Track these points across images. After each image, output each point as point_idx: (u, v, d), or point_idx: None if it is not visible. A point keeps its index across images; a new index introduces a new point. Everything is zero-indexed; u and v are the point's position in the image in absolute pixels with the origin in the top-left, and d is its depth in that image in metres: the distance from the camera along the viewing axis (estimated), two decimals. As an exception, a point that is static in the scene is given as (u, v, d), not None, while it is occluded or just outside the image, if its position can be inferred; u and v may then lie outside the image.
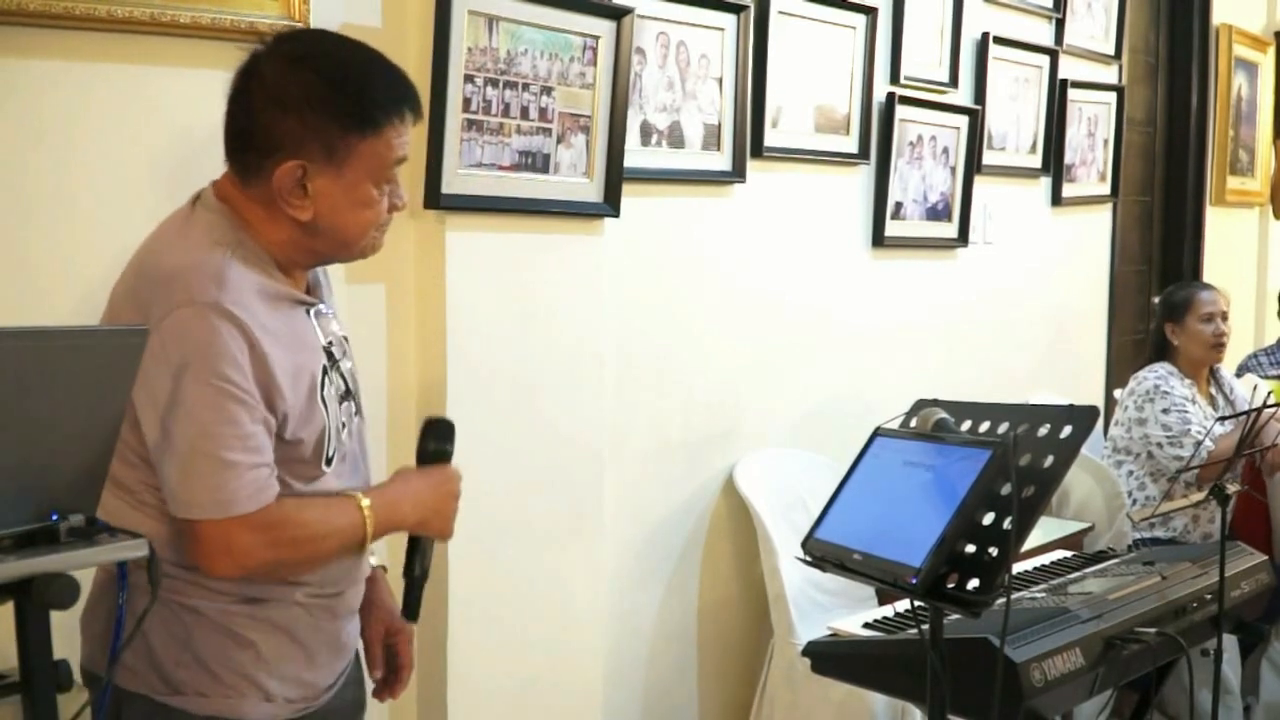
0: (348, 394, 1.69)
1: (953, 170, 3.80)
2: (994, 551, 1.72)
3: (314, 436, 1.58)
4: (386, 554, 1.94)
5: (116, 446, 1.48)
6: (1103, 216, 4.75)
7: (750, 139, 3.09)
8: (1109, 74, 4.63)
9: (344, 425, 1.66)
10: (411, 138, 1.63)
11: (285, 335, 1.55)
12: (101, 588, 1.64)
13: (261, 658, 1.61)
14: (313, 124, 1.53)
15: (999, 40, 3.91)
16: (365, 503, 1.60)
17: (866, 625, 2.28)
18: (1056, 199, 4.35)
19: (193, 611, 1.58)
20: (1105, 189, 4.64)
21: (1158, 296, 4.05)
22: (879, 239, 3.56)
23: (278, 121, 1.53)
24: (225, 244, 1.54)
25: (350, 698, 1.80)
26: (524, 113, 2.53)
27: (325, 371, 1.61)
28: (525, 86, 2.52)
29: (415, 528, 1.71)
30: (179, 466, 1.49)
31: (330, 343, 1.66)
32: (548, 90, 2.56)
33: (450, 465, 1.74)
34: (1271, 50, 5.84)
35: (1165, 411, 3.58)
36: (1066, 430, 1.82)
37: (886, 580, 1.77)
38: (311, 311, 1.64)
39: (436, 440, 1.75)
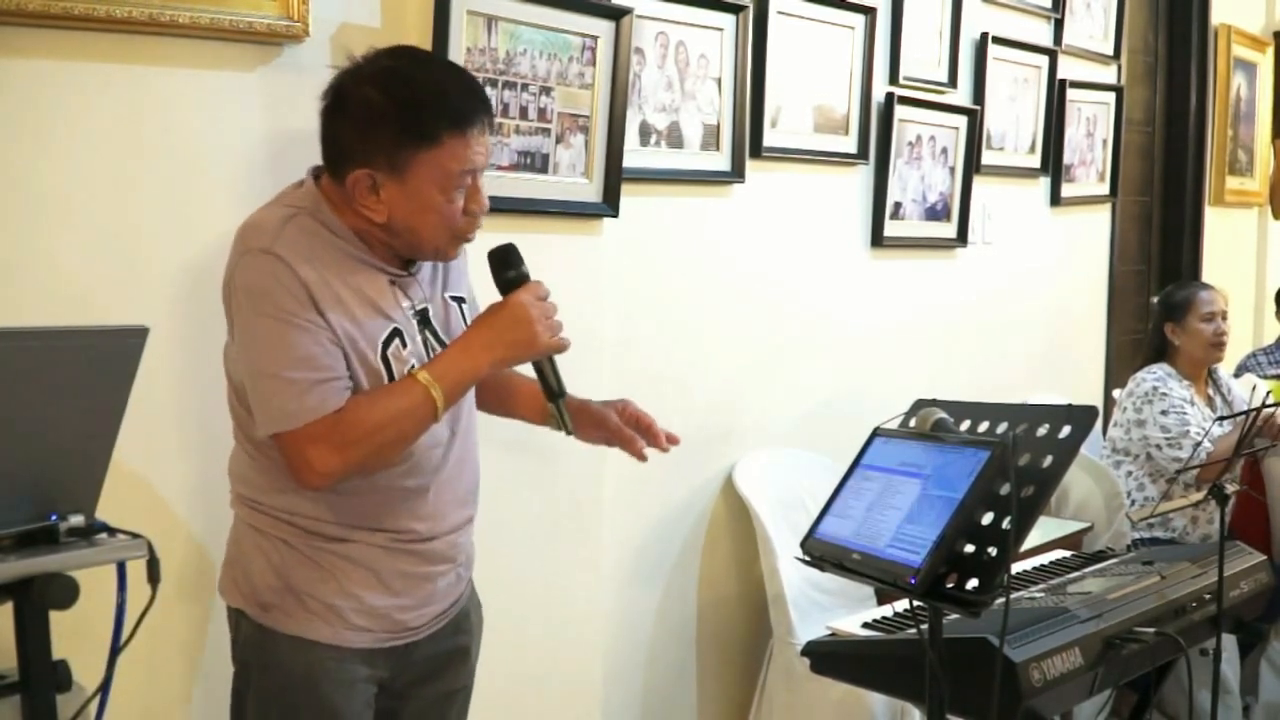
0: None
1: (952, 170, 3.80)
2: (993, 551, 1.72)
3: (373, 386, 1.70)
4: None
5: (239, 414, 1.73)
6: (1102, 216, 4.75)
7: (749, 139, 3.09)
8: (1108, 74, 4.63)
9: None
10: (486, 146, 1.72)
11: (348, 290, 1.69)
12: (242, 538, 1.82)
13: (344, 590, 1.77)
14: (375, 138, 1.67)
15: (998, 40, 3.91)
16: (423, 376, 1.70)
17: (865, 625, 2.28)
18: (1055, 199, 4.35)
19: (285, 544, 1.77)
20: (1104, 189, 4.64)
21: (1156, 296, 4.06)
22: (878, 239, 3.56)
23: (346, 135, 1.69)
24: (298, 207, 1.71)
25: (451, 646, 1.93)
26: (523, 113, 2.53)
27: (399, 334, 1.74)
28: (524, 87, 2.52)
29: (502, 364, 1.79)
30: (253, 390, 1.68)
31: (424, 309, 1.80)
32: (547, 90, 2.56)
33: (526, 285, 1.79)
34: (1270, 50, 5.84)
35: (1164, 413, 3.58)
36: (1065, 430, 1.83)
37: (885, 580, 1.77)
38: (394, 281, 1.76)
39: (501, 269, 1.80)
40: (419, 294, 1.80)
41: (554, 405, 1.86)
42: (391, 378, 1.72)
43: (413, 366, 1.74)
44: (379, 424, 1.67)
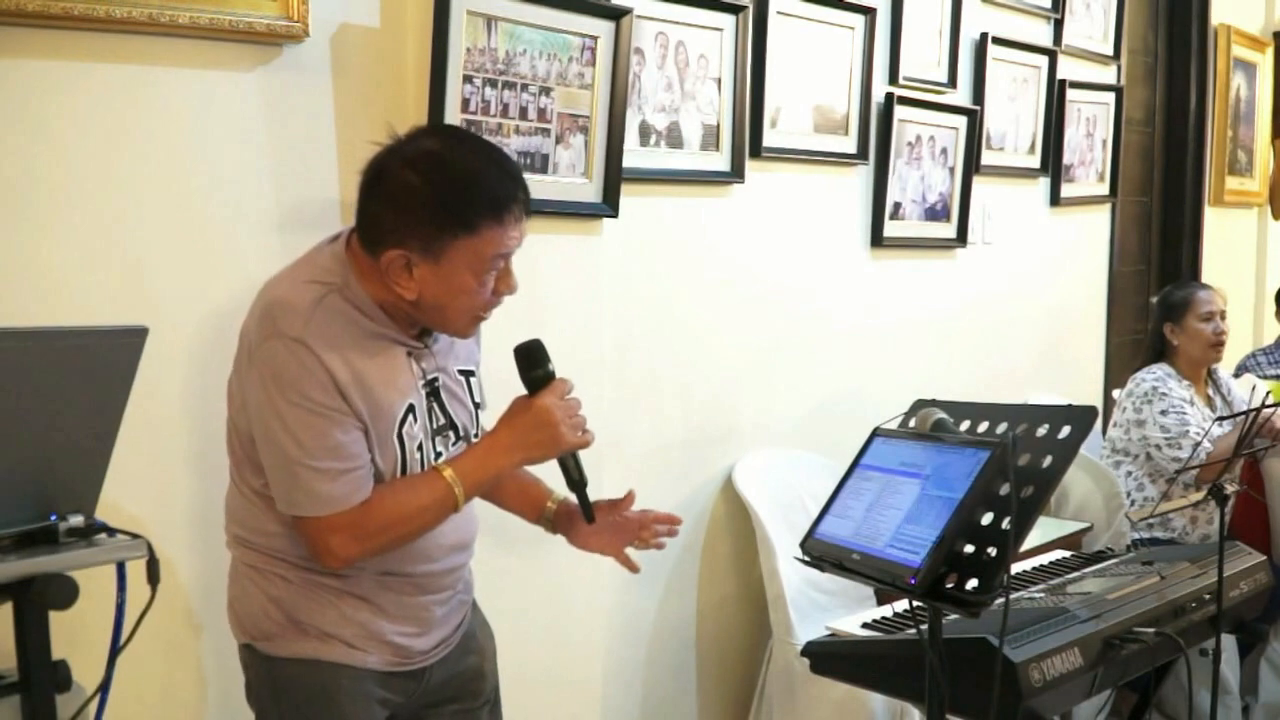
0: (448, 425, 1.84)
1: (951, 170, 3.80)
2: (993, 551, 1.72)
3: (389, 467, 1.75)
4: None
5: (239, 458, 1.76)
6: (1101, 217, 4.75)
7: (749, 139, 3.09)
8: (1108, 74, 4.63)
9: (439, 455, 1.81)
10: (521, 232, 1.74)
11: (370, 372, 1.71)
12: (240, 577, 1.84)
13: (345, 617, 1.79)
14: (412, 223, 1.69)
15: (998, 40, 3.91)
16: (448, 473, 1.75)
17: (865, 625, 2.28)
18: (1055, 199, 4.35)
19: (282, 579, 1.79)
20: (1104, 189, 4.64)
21: (1156, 297, 4.06)
22: (878, 239, 3.56)
23: (384, 216, 1.70)
24: (328, 284, 1.71)
25: (464, 668, 1.95)
26: (523, 113, 2.53)
27: (412, 410, 1.76)
28: (524, 87, 2.52)
29: (526, 463, 1.83)
30: (278, 472, 1.70)
31: (435, 379, 1.82)
32: (546, 91, 2.56)
33: (551, 384, 1.81)
34: (1270, 51, 5.84)
35: (1164, 413, 3.58)
36: (1065, 430, 1.83)
37: (885, 580, 1.77)
38: (411, 353, 1.78)
39: (529, 368, 1.83)
40: (431, 365, 1.82)
41: (577, 495, 1.90)
42: (403, 454, 1.75)
43: (420, 442, 1.77)
44: (402, 517, 1.73)
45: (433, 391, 1.82)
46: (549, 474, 1.98)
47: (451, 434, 1.84)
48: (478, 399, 1.91)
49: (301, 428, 1.66)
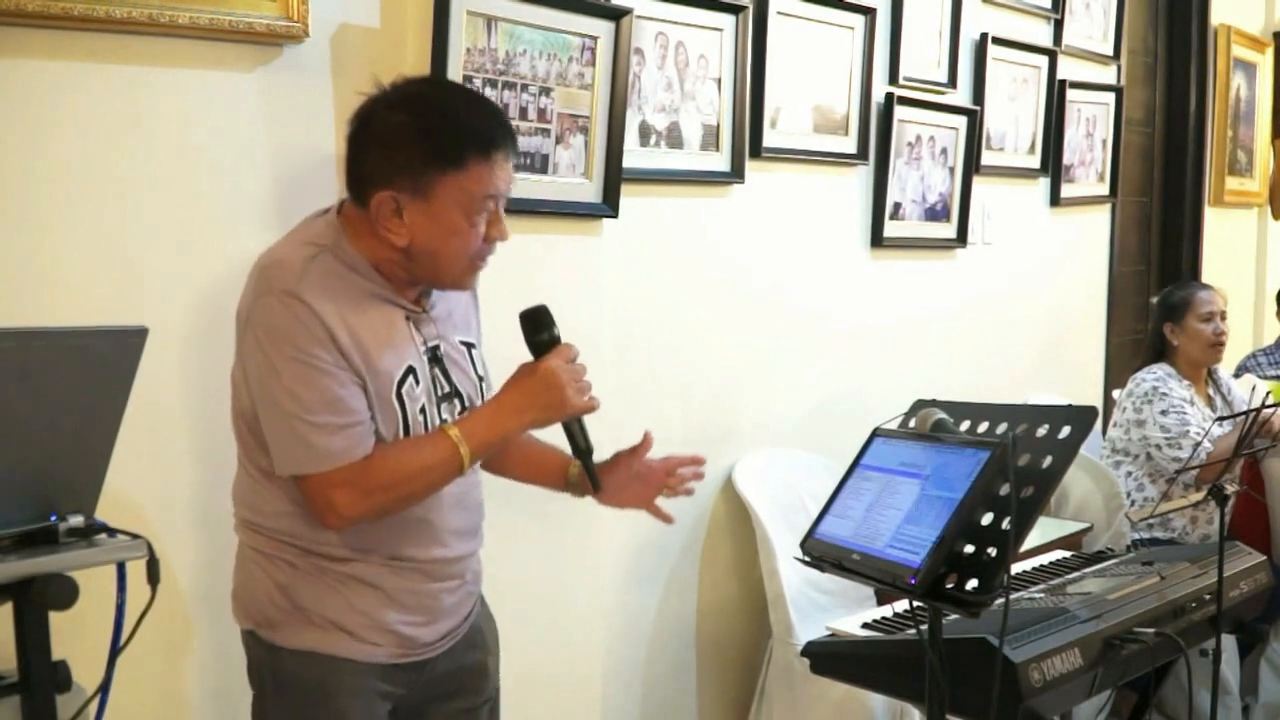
0: (453, 393, 1.83)
1: (951, 171, 3.80)
2: (993, 552, 1.72)
3: (390, 430, 1.73)
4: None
5: (246, 440, 1.74)
6: (1101, 217, 4.75)
7: (749, 139, 3.09)
8: (1108, 74, 4.64)
9: (444, 422, 1.79)
10: (509, 173, 1.74)
11: (366, 329, 1.70)
12: (247, 562, 1.82)
13: (352, 606, 1.78)
14: (400, 160, 1.69)
15: (997, 41, 3.91)
16: (453, 432, 1.73)
17: (865, 625, 2.28)
18: (1055, 199, 4.35)
19: (289, 565, 1.77)
20: (1104, 189, 4.64)
21: (1156, 297, 4.06)
22: (878, 239, 3.56)
23: (371, 158, 1.71)
24: (320, 244, 1.71)
25: (468, 662, 1.93)
26: (523, 113, 2.53)
27: (413, 371, 1.75)
28: (524, 87, 2.52)
29: (532, 426, 1.81)
30: (276, 430, 1.69)
31: (436, 346, 1.81)
32: (546, 91, 2.56)
33: (557, 348, 1.81)
34: (1270, 51, 5.84)
35: (1164, 413, 3.58)
36: (1065, 430, 1.83)
37: (885, 580, 1.77)
38: (410, 317, 1.77)
39: (534, 332, 1.83)
40: (432, 331, 1.82)
41: (582, 462, 1.90)
42: (405, 416, 1.74)
43: (423, 405, 1.76)
44: (407, 475, 1.71)
45: (435, 359, 1.81)
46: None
47: (457, 402, 1.83)
48: (480, 372, 1.90)
49: (298, 382, 1.65)
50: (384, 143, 1.70)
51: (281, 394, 1.66)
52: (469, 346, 1.90)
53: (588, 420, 1.88)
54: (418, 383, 1.76)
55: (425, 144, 1.68)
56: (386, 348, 1.72)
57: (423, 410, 1.76)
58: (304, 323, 1.64)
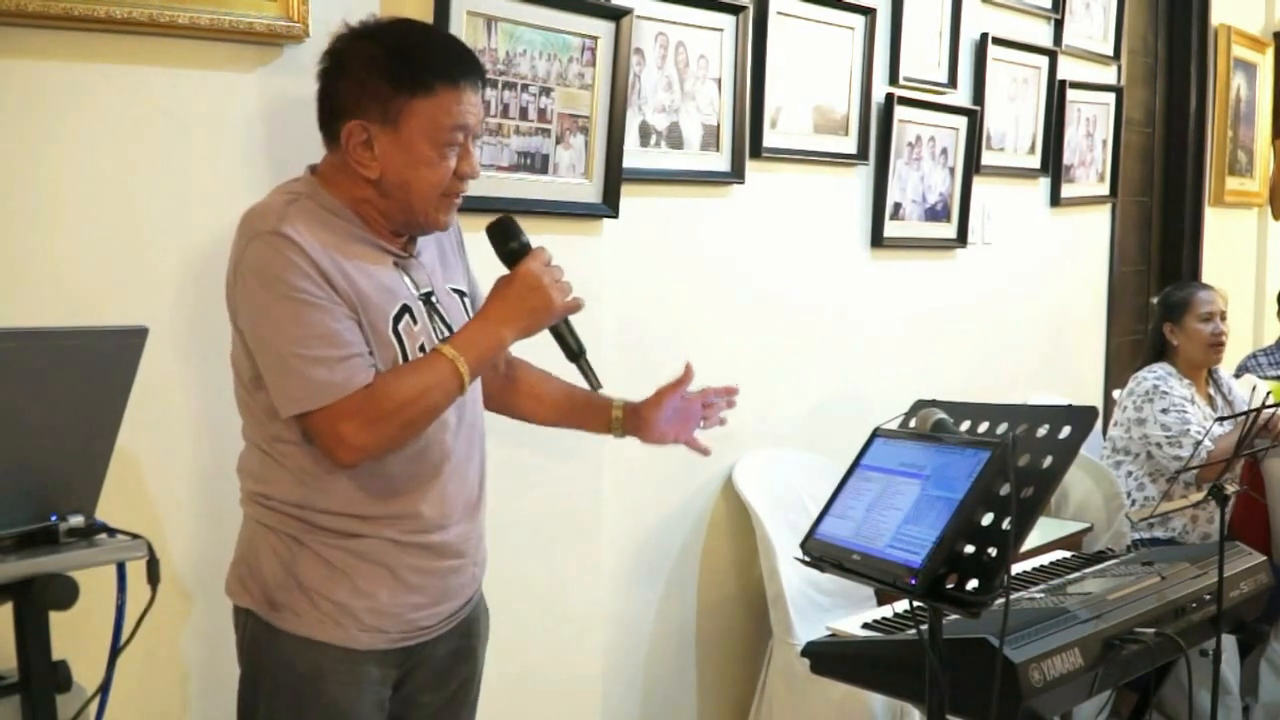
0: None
1: (951, 171, 3.80)
2: (993, 552, 1.72)
3: (388, 367, 1.72)
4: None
5: (251, 409, 1.73)
6: (1101, 217, 4.75)
7: (749, 139, 3.09)
8: (1108, 75, 4.64)
9: None
10: (477, 107, 1.75)
11: (355, 267, 1.71)
12: (252, 536, 1.81)
13: (357, 589, 1.76)
14: (370, 87, 1.71)
15: (998, 41, 3.91)
16: (448, 350, 1.72)
17: (865, 626, 2.28)
18: (1055, 199, 4.35)
19: (296, 541, 1.76)
20: (1104, 190, 4.65)
21: (1156, 297, 4.06)
22: (878, 239, 3.56)
23: (341, 86, 1.74)
24: (296, 192, 1.74)
25: (459, 646, 1.93)
26: (523, 113, 2.53)
27: (409, 311, 1.76)
28: (524, 87, 2.52)
29: (523, 333, 1.79)
30: (275, 371, 1.68)
31: (429, 292, 1.82)
32: (546, 91, 2.56)
33: (531, 252, 1.81)
34: (1270, 51, 5.84)
35: (1164, 412, 3.58)
36: (1065, 430, 1.83)
37: (885, 581, 1.77)
38: (398, 263, 1.79)
39: (504, 241, 1.83)
40: (423, 278, 1.82)
41: (578, 365, 1.89)
42: (404, 353, 1.74)
43: (423, 345, 1.76)
44: (409, 397, 1.68)
45: (430, 306, 1.81)
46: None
47: None
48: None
49: (291, 319, 1.65)
50: (354, 71, 1.72)
51: (276, 334, 1.66)
52: (460, 294, 1.91)
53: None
54: (415, 322, 1.76)
55: (395, 69, 1.70)
56: (377, 285, 1.73)
57: (422, 348, 1.76)
58: (292, 259, 1.64)
